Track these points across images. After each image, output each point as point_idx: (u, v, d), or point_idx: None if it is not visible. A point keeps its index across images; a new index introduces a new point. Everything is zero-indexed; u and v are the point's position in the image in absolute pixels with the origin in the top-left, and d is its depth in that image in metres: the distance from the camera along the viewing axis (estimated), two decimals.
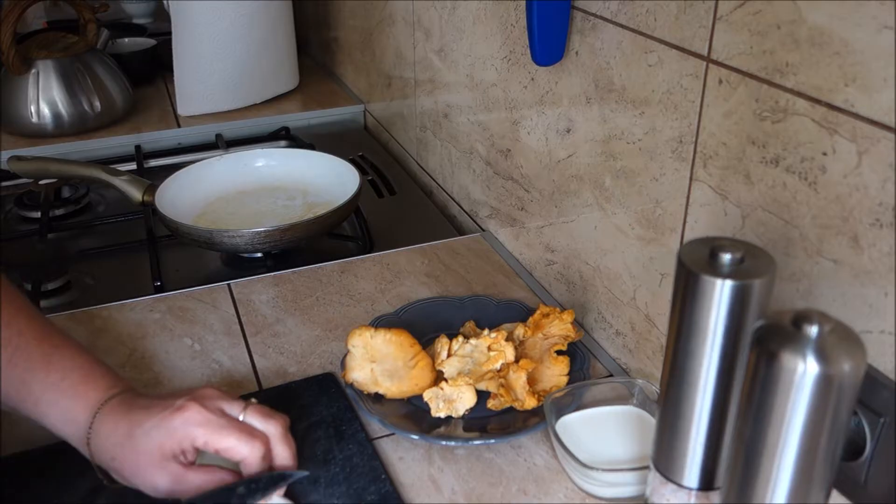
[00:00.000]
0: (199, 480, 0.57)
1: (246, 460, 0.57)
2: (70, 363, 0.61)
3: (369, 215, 1.12)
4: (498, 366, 0.72)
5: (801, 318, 0.41)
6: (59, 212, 1.16)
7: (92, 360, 0.62)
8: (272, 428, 0.60)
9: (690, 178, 0.63)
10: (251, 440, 0.57)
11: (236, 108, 1.48)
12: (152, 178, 1.10)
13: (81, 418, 0.58)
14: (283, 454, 0.60)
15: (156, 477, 0.57)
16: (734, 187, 0.59)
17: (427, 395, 0.70)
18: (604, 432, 0.67)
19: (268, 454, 0.59)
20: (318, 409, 0.71)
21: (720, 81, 0.58)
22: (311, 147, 1.25)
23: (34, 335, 0.61)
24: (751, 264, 0.47)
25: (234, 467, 0.59)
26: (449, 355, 0.73)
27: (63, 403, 0.59)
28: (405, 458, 0.67)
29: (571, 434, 0.66)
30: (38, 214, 1.14)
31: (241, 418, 0.59)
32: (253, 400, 0.62)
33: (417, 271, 0.95)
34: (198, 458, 0.60)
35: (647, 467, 0.57)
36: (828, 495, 0.45)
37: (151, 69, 1.64)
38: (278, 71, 1.52)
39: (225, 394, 0.61)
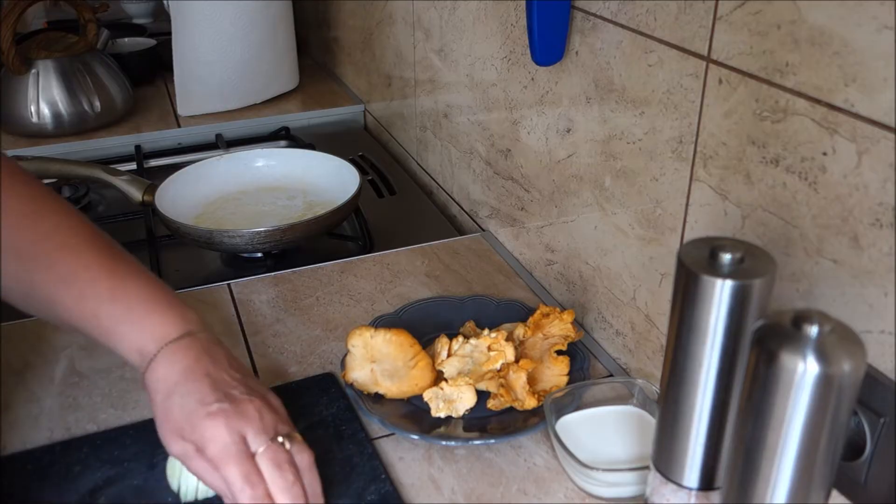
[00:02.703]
0: (202, 470, 0.56)
1: (226, 499, 0.56)
2: (136, 295, 0.61)
3: (369, 215, 1.12)
4: (498, 366, 0.72)
5: (801, 318, 0.41)
6: None
7: (158, 291, 0.62)
8: (280, 476, 0.56)
9: (690, 178, 0.63)
10: (243, 486, 0.54)
11: (236, 108, 1.49)
12: (152, 178, 1.10)
13: (147, 349, 0.59)
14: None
15: (171, 443, 0.57)
16: (734, 187, 0.59)
17: (427, 395, 0.70)
18: (604, 432, 0.67)
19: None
20: (318, 409, 0.71)
21: (720, 81, 0.58)
22: (311, 147, 1.25)
23: (101, 268, 0.61)
24: (751, 264, 0.47)
25: None
26: (449, 355, 0.73)
27: (131, 336, 0.59)
28: (405, 458, 0.67)
29: (571, 434, 0.66)
30: None
31: (256, 453, 0.56)
32: (279, 438, 0.57)
33: (417, 271, 0.95)
34: None
35: (647, 467, 0.57)
36: (828, 495, 0.45)
37: (151, 69, 1.64)
38: (278, 71, 1.52)
39: (267, 414, 0.58)
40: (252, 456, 0.56)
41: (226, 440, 0.55)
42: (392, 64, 1.31)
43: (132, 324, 0.60)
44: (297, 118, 1.50)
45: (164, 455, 0.61)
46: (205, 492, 0.61)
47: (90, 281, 0.61)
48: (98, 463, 0.66)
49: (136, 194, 1.06)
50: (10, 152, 1.21)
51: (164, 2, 1.42)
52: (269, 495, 0.55)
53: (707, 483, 0.53)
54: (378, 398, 0.71)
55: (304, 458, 0.58)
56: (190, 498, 0.61)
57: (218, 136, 1.41)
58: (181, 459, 0.57)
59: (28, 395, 0.75)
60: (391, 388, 0.70)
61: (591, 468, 0.61)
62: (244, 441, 0.56)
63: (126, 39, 1.71)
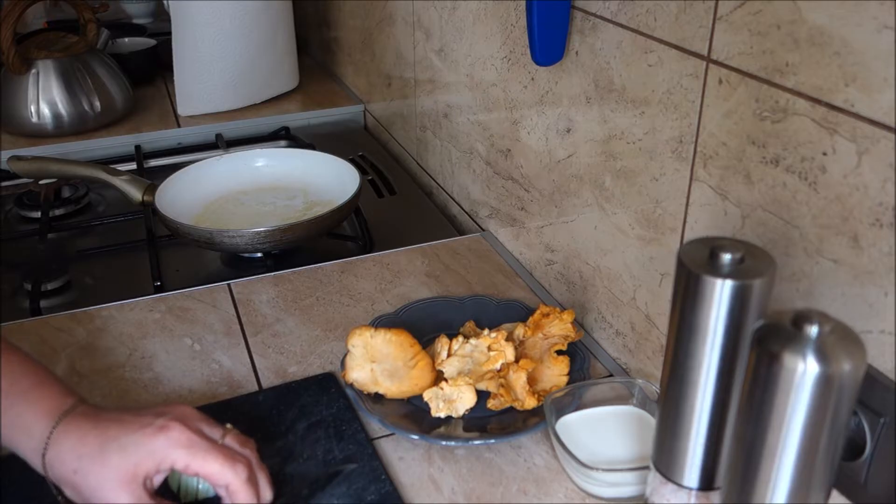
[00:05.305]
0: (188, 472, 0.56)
1: (231, 486, 0.56)
2: (19, 368, 0.58)
3: (369, 215, 1.12)
4: (498, 366, 0.72)
5: (801, 318, 0.41)
6: (59, 212, 1.16)
7: (41, 367, 0.60)
8: (249, 452, 0.59)
9: (690, 178, 0.63)
10: (235, 464, 0.56)
11: (236, 108, 1.49)
12: (152, 178, 1.10)
13: (37, 426, 0.55)
14: (263, 480, 0.59)
15: (119, 497, 0.54)
16: (734, 187, 0.59)
17: (427, 395, 0.70)
18: (604, 432, 0.67)
19: (251, 478, 0.57)
20: (318, 409, 0.71)
21: (720, 81, 0.58)
22: (311, 147, 1.25)
23: None
24: (751, 264, 0.47)
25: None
26: (449, 355, 0.73)
27: (14, 410, 0.56)
28: (405, 458, 0.67)
29: (571, 434, 0.66)
30: (38, 214, 1.14)
31: (220, 442, 0.58)
32: (228, 425, 0.60)
33: (417, 271, 0.95)
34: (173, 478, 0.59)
35: (647, 467, 0.57)
36: (828, 495, 0.46)
37: (151, 69, 1.65)
38: (278, 71, 1.52)
39: (203, 414, 0.59)
40: (220, 444, 0.57)
41: (192, 438, 0.56)
42: (392, 64, 1.31)
43: (14, 398, 0.56)
44: (297, 118, 1.50)
45: None
46: (205, 492, 0.61)
47: None
48: None
49: (136, 194, 1.06)
50: (10, 152, 1.21)
51: (164, 2, 1.42)
52: (254, 471, 0.58)
53: (707, 483, 0.53)
54: (378, 398, 0.71)
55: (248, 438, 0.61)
56: (190, 498, 0.61)
57: (218, 136, 1.41)
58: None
59: None
60: (391, 387, 0.70)
61: (591, 468, 0.61)
62: (205, 434, 0.57)
63: (126, 39, 1.71)
